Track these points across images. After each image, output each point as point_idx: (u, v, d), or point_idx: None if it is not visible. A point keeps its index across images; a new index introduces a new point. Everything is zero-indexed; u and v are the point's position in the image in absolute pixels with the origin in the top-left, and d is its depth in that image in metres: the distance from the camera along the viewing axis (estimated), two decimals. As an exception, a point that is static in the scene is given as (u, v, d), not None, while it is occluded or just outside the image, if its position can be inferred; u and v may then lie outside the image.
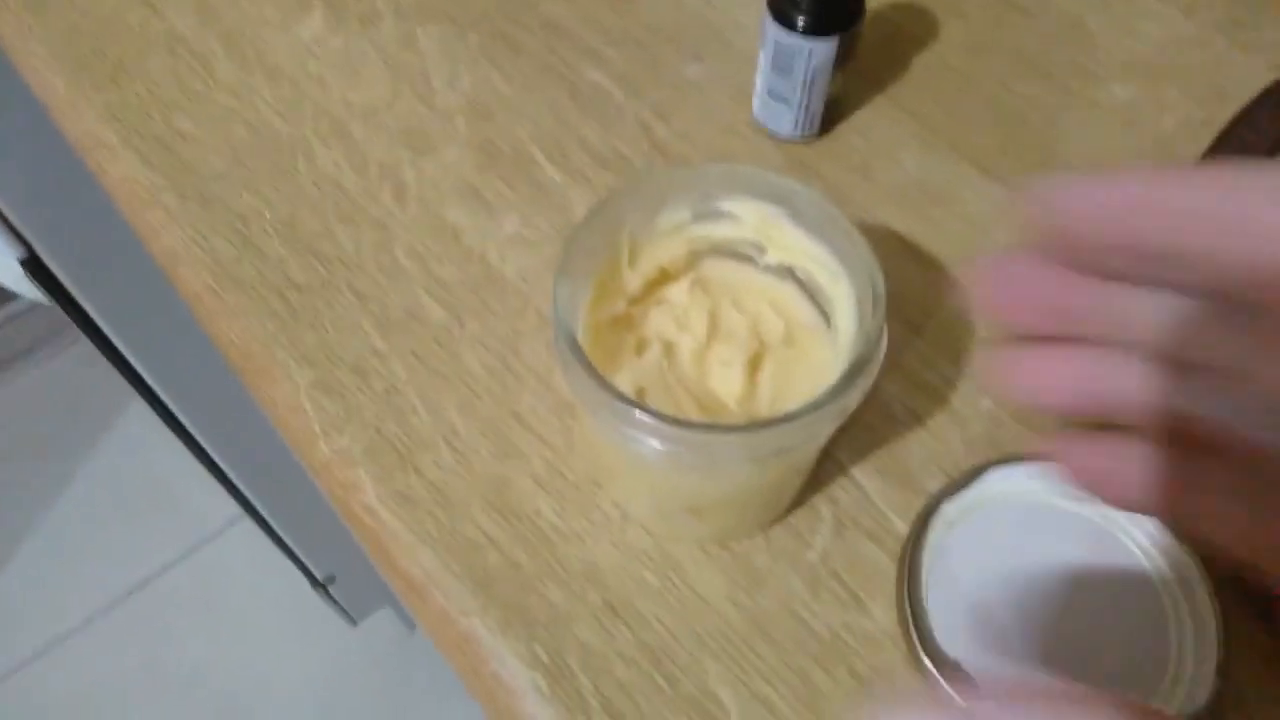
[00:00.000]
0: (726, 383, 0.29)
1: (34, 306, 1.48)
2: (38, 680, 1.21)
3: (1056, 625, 0.29)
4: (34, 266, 0.59)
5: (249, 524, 1.20)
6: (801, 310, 0.30)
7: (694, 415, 0.28)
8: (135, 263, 0.56)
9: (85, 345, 0.69)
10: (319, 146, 0.39)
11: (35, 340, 1.41)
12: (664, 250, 0.30)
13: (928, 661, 0.29)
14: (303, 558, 0.98)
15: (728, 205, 0.29)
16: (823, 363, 0.29)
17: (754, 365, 0.29)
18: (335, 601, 1.05)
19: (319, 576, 1.00)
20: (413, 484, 0.32)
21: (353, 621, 1.10)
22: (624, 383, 0.28)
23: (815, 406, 0.24)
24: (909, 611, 0.29)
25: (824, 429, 0.26)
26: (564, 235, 0.37)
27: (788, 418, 0.24)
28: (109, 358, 0.68)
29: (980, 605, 0.29)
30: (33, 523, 1.31)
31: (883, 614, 0.30)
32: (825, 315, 0.30)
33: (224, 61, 0.42)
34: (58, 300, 0.62)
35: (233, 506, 1.25)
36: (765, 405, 0.29)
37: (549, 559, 0.31)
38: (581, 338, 0.27)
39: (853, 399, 0.25)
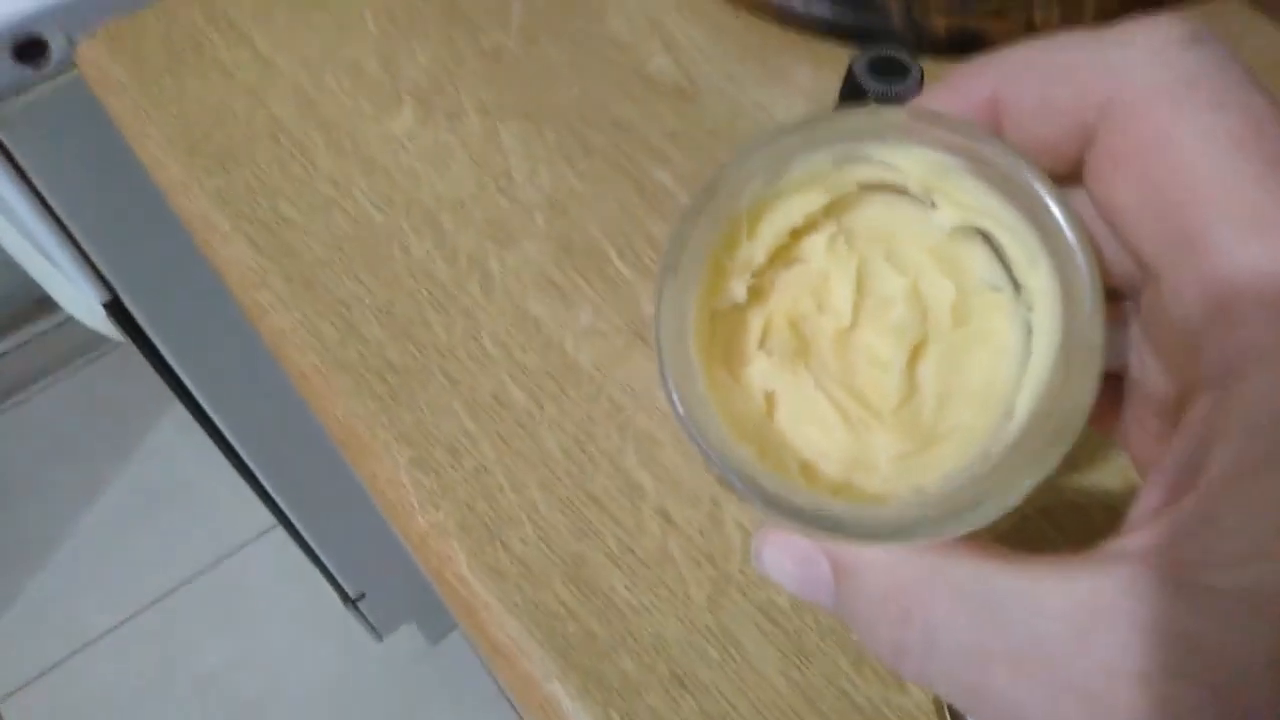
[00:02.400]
0: (878, 382, 0.22)
1: (68, 320, 1.53)
2: (65, 684, 1.25)
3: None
4: (115, 309, 0.63)
5: (276, 536, 1.24)
6: (978, 269, 0.22)
7: (835, 429, 0.22)
8: (201, 293, 0.61)
9: (119, 356, 0.73)
10: (413, 237, 0.43)
11: (71, 350, 1.45)
12: (796, 205, 0.23)
13: (957, 737, 0.33)
14: (335, 574, 1.02)
15: (882, 153, 0.22)
16: (1004, 350, 0.22)
17: (914, 355, 0.23)
18: (364, 616, 1.09)
19: (350, 593, 1.04)
20: (500, 557, 0.36)
21: (379, 636, 1.14)
22: (751, 389, 0.22)
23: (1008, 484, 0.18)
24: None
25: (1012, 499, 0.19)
26: (632, 328, 0.41)
27: (974, 502, 0.18)
28: (156, 367, 0.72)
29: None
30: (66, 527, 1.35)
31: (920, 693, 0.34)
32: (1012, 280, 0.22)
33: (323, 151, 0.46)
34: (127, 330, 0.67)
35: (259, 518, 1.29)
36: (928, 413, 0.22)
37: (622, 631, 0.35)
38: (693, 343, 0.22)
39: (1055, 457, 0.18)
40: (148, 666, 1.25)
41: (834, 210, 0.23)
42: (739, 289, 0.23)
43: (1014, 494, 0.18)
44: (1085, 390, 0.19)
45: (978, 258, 0.22)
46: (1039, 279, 0.20)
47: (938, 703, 0.33)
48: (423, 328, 0.41)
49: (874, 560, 0.18)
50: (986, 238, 0.22)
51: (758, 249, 0.23)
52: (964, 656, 0.17)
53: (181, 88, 0.48)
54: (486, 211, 0.44)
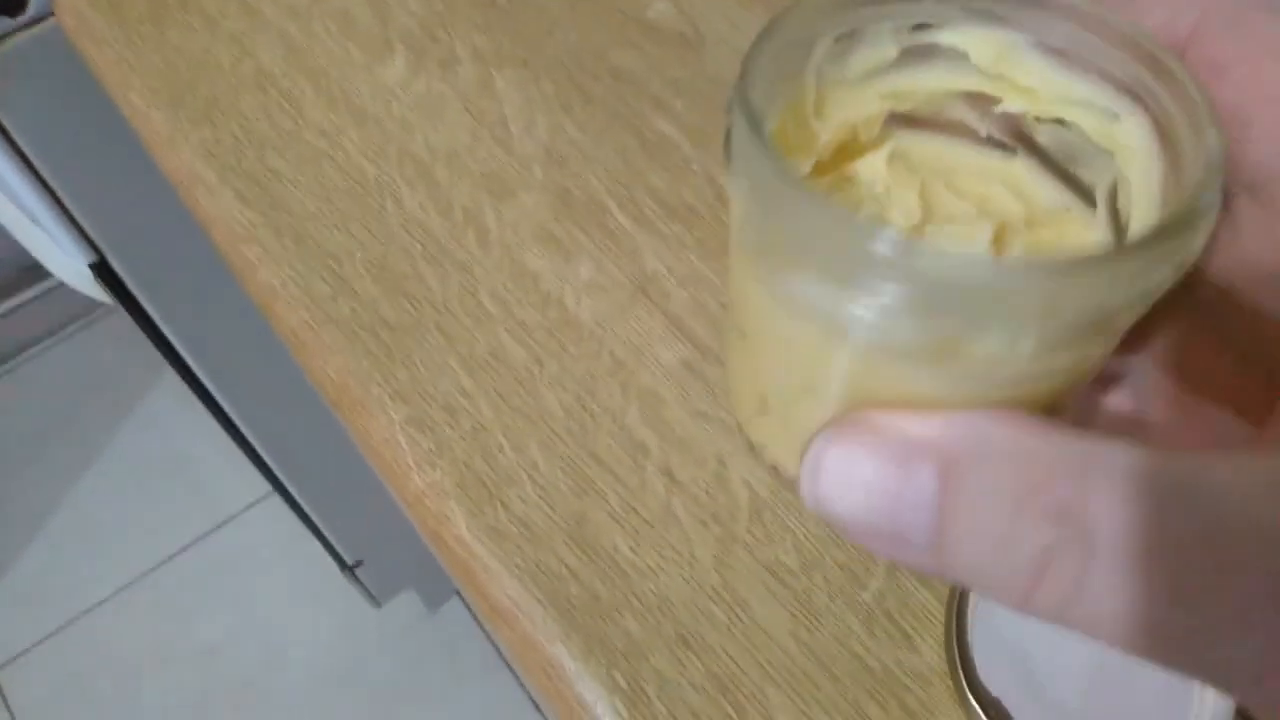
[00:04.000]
0: None
1: (60, 285, 1.51)
2: (62, 654, 1.24)
3: (1090, 665, 0.32)
4: (102, 270, 0.62)
5: (271, 505, 1.23)
6: (1044, 195, 0.21)
7: None
8: (189, 252, 0.59)
9: (111, 323, 0.72)
10: (406, 189, 0.42)
11: (65, 318, 1.43)
12: (856, 103, 0.21)
13: (971, 698, 0.32)
14: (333, 541, 1.01)
15: (949, 36, 0.20)
16: (1090, 245, 0.21)
17: (997, 244, 0.21)
18: (361, 584, 1.08)
19: (348, 560, 1.03)
20: (500, 518, 0.35)
21: (377, 604, 1.13)
22: None
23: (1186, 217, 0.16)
24: (955, 651, 0.32)
25: (1164, 276, 0.16)
26: (634, 282, 0.40)
27: (1153, 238, 0.16)
28: (145, 330, 0.70)
29: (1019, 646, 0.32)
30: (59, 499, 1.34)
31: (931, 652, 0.33)
32: (1087, 195, 0.21)
33: (312, 101, 0.44)
34: (116, 293, 0.65)
35: (254, 488, 1.28)
36: None
37: (625, 592, 0.34)
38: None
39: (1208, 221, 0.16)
40: (144, 636, 1.25)
41: (889, 128, 0.22)
42: (804, 166, 0.21)
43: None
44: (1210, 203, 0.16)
45: (1043, 184, 0.21)
46: (1125, 135, 0.19)
47: (951, 663, 0.32)
48: (417, 283, 0.39)
49: (1011, 444, 0.14)
50: (1046, 144, 0.21)
51: (824, 130, 0.21)
52: (1145, 557, 0.13)
53: (164, 37, 0.46)
54: (482, 163, 0.43)
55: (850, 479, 0.15)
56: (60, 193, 0.58)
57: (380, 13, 0.46)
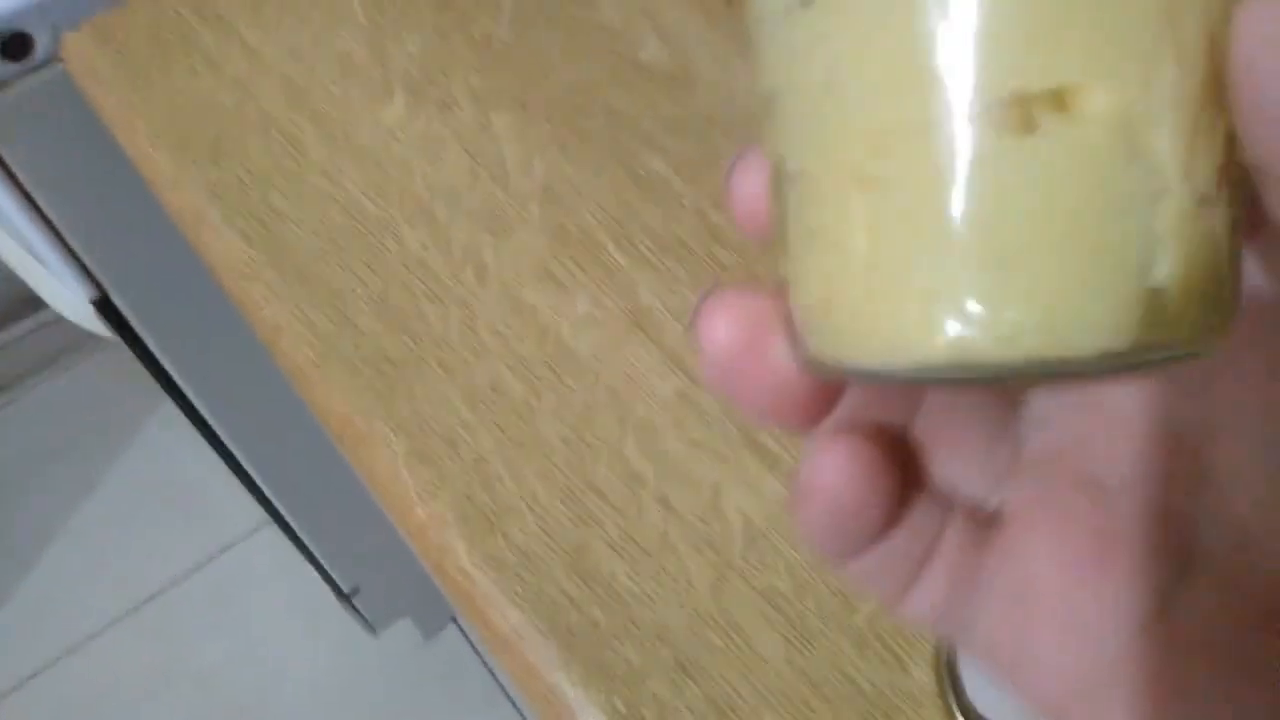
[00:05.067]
0: None
1: (58, 316, 1.52)
2: (59, 684, 1.24)
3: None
4: (104, 306, 0.63)
5: (268, 533, 1.24)
6: None
7: None
8: (190, 288, 0.60)
9: (109, 353, 0.73)
10: (406, 227, 0.43)
11: (63, 347, 1.44)
12: None
13: (961, 718, 0.33)
14: (329, 569, 1.02)
15: None
16: None
17: None
18: (358, 612, 1.09)
19: (344, 588, 1.04)
20: (501, 548, 0.36)
21: (373, 632, 1.14)
22: None
23: None
24: (945, 673, 0.33)
25: None
26: (629, 315, 0.41)
27: None
28: (146, 364, 0.71)
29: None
30: (58, 526, 1.35)
31: (922, 674, 0.34)
32: None
33: (314, 143, 0.45)
34: (117, 327, 0.66)
35: (251, 516, 1.28)
36: None
37: (624, 619, 0.35)
38: None
39: None
40: (142, 665, 1.25)
41: None
42: None
43: None
44: None
45: None
46: None
47: (940, 684, 0.33)
48: (418, 319, 0.41)
49: None
50: None
51: None
52: None
53: (169, 81, 0.47)
54: (480, 201, 0.44)
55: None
56: (63, 230, 0.59)
57: (380, 56, 0.48)
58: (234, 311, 0.44)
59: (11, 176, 0.55)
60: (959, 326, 0.12)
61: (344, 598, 1.06)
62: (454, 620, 1.22)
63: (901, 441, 0.17)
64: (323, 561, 1.00)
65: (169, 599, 1.30)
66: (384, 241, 0.43)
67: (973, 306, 0.12)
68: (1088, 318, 0.12)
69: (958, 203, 0.12)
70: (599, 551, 0.36)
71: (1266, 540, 0.14)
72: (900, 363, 0.13)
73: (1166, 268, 0.12)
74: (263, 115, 0.46)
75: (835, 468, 0.16)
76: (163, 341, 0.67)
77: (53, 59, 0.51)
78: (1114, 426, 0.16)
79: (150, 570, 1.31)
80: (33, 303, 1.35)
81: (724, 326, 0.15)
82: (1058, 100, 0.12)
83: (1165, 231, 0.12)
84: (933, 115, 0.12)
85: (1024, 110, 0.12)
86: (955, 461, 0.17)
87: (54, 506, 1.36)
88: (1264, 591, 0.14)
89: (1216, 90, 0.12)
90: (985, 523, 0.17)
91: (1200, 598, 0.15)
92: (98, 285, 0.62)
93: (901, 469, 0.16)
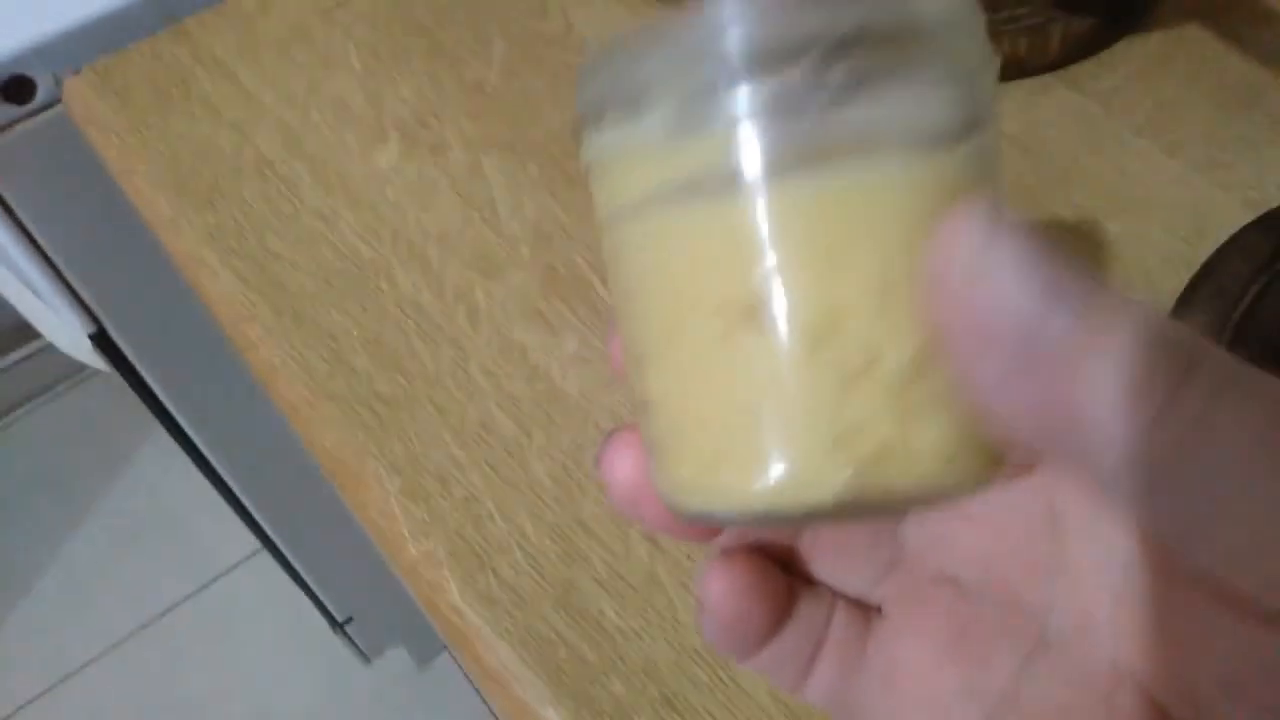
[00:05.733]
0: None
1: (50, 345, 1.53)
2: (51, 713, 1.24)
3: None
4: (101, 340, 0.64)
5: (261, 561, 1.24)
6: None
7: None
8: (186, 324, 0.61)
9: (102, 382, 0.74)
10: (399, 269, 0.44)
11: (55, 377, 1.44)
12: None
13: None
14: (322, 598, 1.02)
15: None
16: None
17: None
18: (351, 640, 1.09)
19: (338, 617, 1.04)
20: (491, 585, 0.37)
21: (367, 660, 1.14)
22: None
23: None
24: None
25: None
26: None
27: None
28: (141, 396, 0.72)
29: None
30: (48, 556, 1.35)
31: (902, 709, 0.35)
32: None
33: (310, 186, 0.46)
34: (113, 360, 0.67)
35: (243, 545, 1.29)
36: None
37: (612, 655, 0.36)
38: None
39: None
40: (134, 694, 1.25)
41: None
42: None
43: None
44: None
45: None
46: None
47: None
48: (410, 358, 0.42)
49: None
50: None
51: None
52: None
53: (168, 125, 0.48)
54: (472, 243, 0.45)
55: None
56: (62, 266, 0.60)
57: (374, 101, 0.49)
58: (230, 346, 0.45)
59: (11, 214, 0.56)
60: (750, 482, 0.16)
61: (338, 626, 1.06)
62: (447, 649, 1.22)
63: (787, 549, 0.20)
64: (316, 591, 1.00)
65: (161, 627, 1.30)
66: (378, 283, 0.44)
67: (744, 470, 0.16)
68: (814, 477, 0.15)
69: (699, 395, 0.17)
70: (587, 588, 0.37)
71: (1107, 625, 0.16)
72: (718, 509, 0.17)
73: (884, 429, 0.15)
74: (260, 159, 0.47)
75: (719, 587, 0.19)
76: (159, 375, 0.68)
77: (54, 101, 0.52)
78: (974, 525, 0.18)
79: (142, 599, 1.31)
80: (23, 332, 1.36)
81: (621, 465, 0.18)
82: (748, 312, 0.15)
83: (871, 404, 0.15)
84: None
85: (727, 320, 0.16)
86: (841, 561, 0.20)
87: (44, 535, 1.36)
88: (1107, 672, 0.16)
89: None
90: (870, 614, 0.19)
91: (1048, 678, 0.16)
92: (95, 320, 0.63)
93: (786, 576, 0.19)
